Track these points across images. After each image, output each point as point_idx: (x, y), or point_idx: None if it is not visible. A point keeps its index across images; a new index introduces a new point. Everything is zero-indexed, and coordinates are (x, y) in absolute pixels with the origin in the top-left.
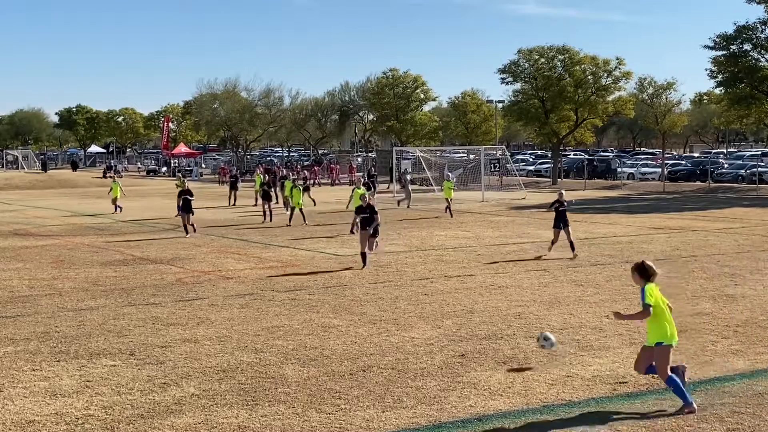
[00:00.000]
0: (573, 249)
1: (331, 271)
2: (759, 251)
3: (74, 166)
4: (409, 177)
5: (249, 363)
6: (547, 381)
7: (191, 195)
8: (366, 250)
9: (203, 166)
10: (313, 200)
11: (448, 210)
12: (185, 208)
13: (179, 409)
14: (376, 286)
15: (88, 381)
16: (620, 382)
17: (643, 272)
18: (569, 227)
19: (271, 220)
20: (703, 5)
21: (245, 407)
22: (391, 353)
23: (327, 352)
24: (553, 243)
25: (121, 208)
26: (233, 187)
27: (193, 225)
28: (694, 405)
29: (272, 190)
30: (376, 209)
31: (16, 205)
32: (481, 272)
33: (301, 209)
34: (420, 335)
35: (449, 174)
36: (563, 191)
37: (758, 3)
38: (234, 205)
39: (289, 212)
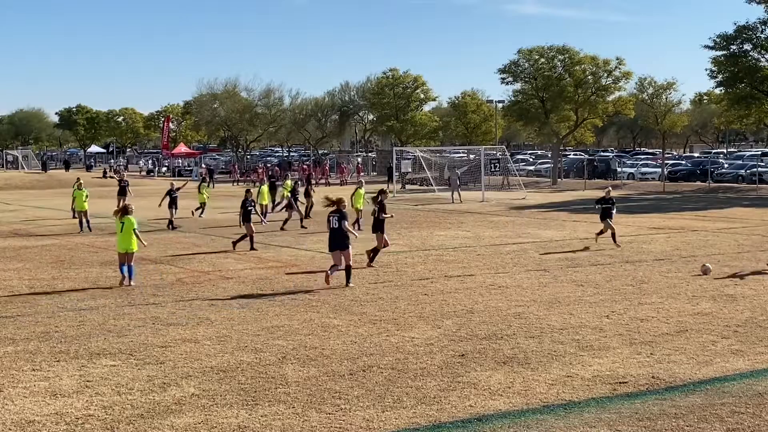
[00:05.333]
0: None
1: None
2: (759, 251)
3: (67, 166)
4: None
5: (249, 363)
6: (547, 381)
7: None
8: None
9: (203, 166)
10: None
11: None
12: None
13: (179, 409)
14: (376, 286)
15: (88, 381)
16: (620, 382)
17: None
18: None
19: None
20: (703, 5)
21: (245, 407)
22: (391, 353)
23: (327, 352)
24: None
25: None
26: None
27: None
28: None
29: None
30: None
31: (16, 205)
32: (481, 272)
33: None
34: (420, 335)
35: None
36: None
37: (758, 3)
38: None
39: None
